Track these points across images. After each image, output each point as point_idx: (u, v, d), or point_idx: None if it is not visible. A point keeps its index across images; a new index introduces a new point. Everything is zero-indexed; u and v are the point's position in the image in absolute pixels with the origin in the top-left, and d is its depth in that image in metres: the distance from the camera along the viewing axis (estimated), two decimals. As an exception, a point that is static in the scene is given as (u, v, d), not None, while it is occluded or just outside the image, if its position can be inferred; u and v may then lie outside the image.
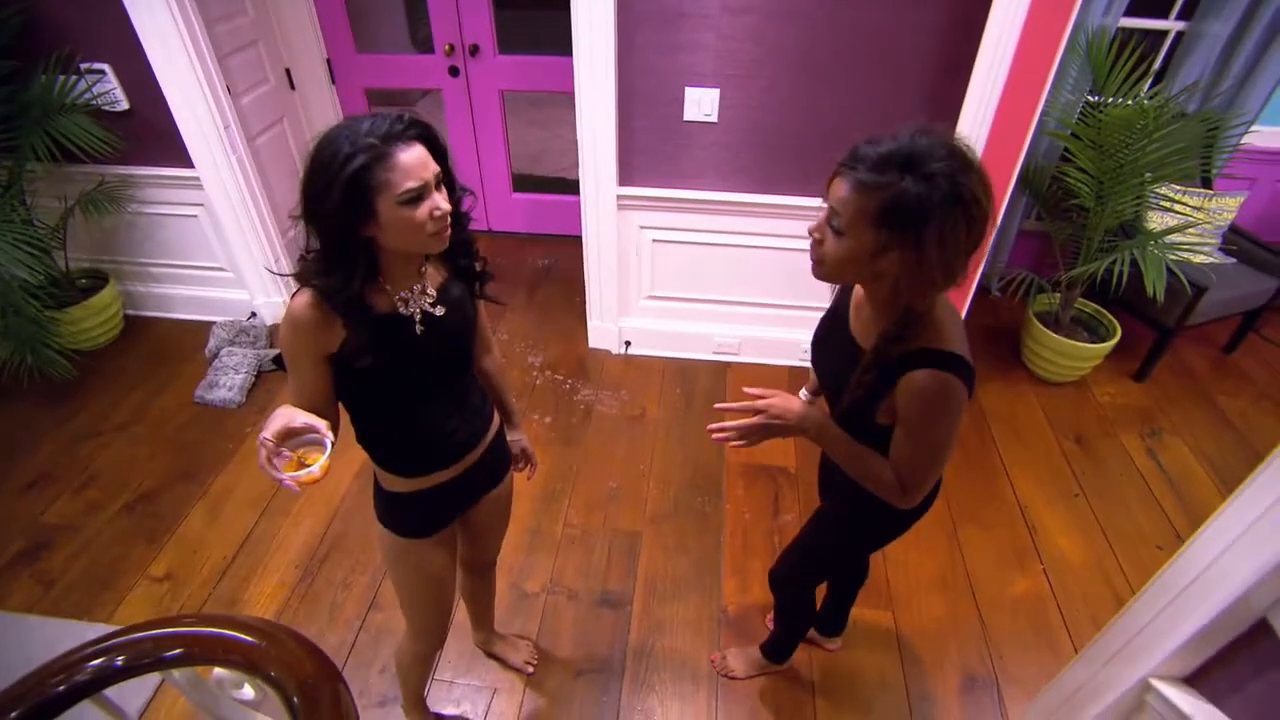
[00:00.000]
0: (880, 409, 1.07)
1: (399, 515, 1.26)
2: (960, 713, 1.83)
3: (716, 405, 1.23)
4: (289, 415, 0.94)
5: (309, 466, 0.94)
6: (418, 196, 0.95)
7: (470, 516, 1.42)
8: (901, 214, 0.89)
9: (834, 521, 1.47)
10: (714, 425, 1.15)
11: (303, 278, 1.00)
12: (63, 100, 2.50)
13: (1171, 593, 1.15)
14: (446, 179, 1.02)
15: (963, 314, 2.37)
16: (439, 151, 1.00)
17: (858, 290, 1.16)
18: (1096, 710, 1.32)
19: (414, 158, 0.94)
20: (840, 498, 1.44)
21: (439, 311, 1.11)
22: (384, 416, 1.16)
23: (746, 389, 1.14)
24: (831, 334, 1.22)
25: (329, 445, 0.95)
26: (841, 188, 0.94)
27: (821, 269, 1.02)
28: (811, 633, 1.92)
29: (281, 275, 3.03)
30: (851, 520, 1.40)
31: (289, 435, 0.94)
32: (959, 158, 0.89)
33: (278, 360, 2.87)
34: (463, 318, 1.17)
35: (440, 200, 0.99)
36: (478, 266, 1.19)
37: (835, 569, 1.70)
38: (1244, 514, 1.03)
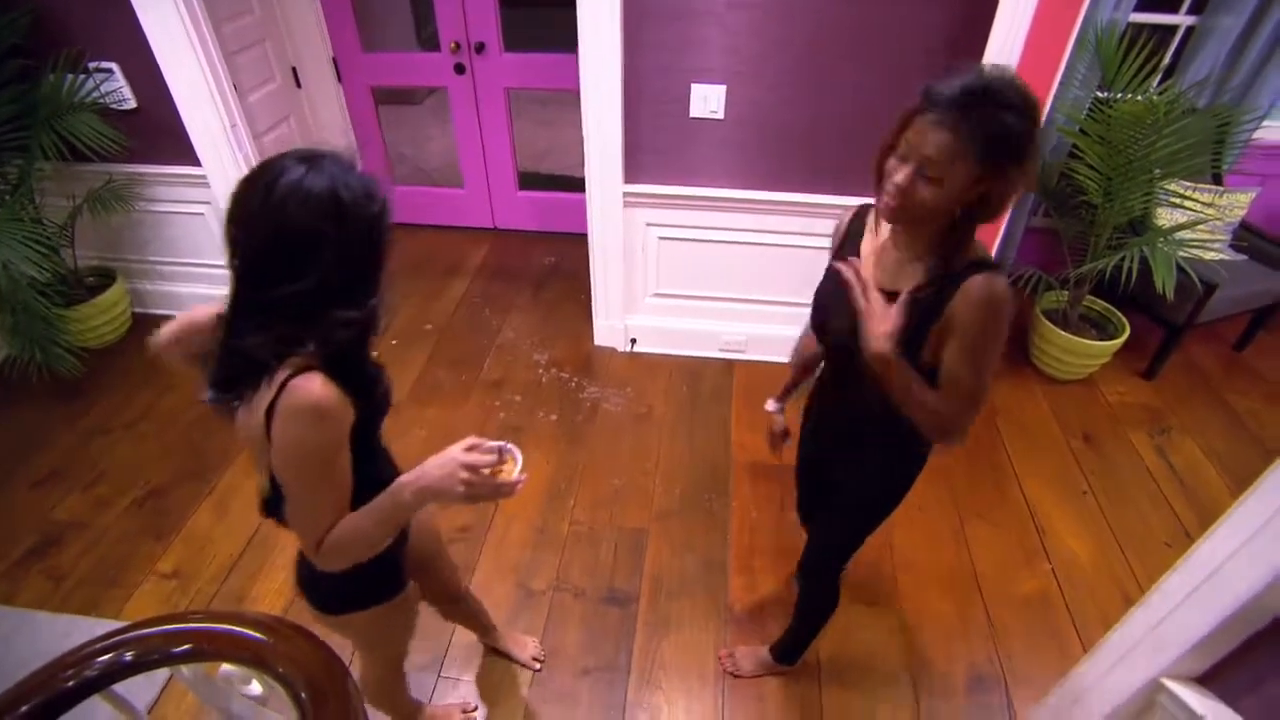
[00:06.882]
0: (928, 340, 1.10)
1: (388, 579, 1.25)
2: (968, 712, 1.82)
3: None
4: (474, 446, 0.98)
5: (511, 475, 1.01)
6: None
7: (410, 553, 1.34)
8: (1003, 145, 0.95)
9: (859, 507, 1.47)
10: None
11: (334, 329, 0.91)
12: (71, 99, 2.51)
13: (1184, 591, 1.14)
14: None
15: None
16: None
17: (875, 240, 1.20)
18: (1107, 710, 1.31)
19: None
20: (854, 487, 1.46)
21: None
22: (368, 482, 1.05)
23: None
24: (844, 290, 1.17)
25: (516, 451, 1.02)
26: (936, 135, 0.96)
27: (908, 213, 1.04)
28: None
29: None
30: (880, 495, 1.44)
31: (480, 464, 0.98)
32: (1020, 83, 0.97)
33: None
34: None
35: None
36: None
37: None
38: (1258, 511, 1.01)
